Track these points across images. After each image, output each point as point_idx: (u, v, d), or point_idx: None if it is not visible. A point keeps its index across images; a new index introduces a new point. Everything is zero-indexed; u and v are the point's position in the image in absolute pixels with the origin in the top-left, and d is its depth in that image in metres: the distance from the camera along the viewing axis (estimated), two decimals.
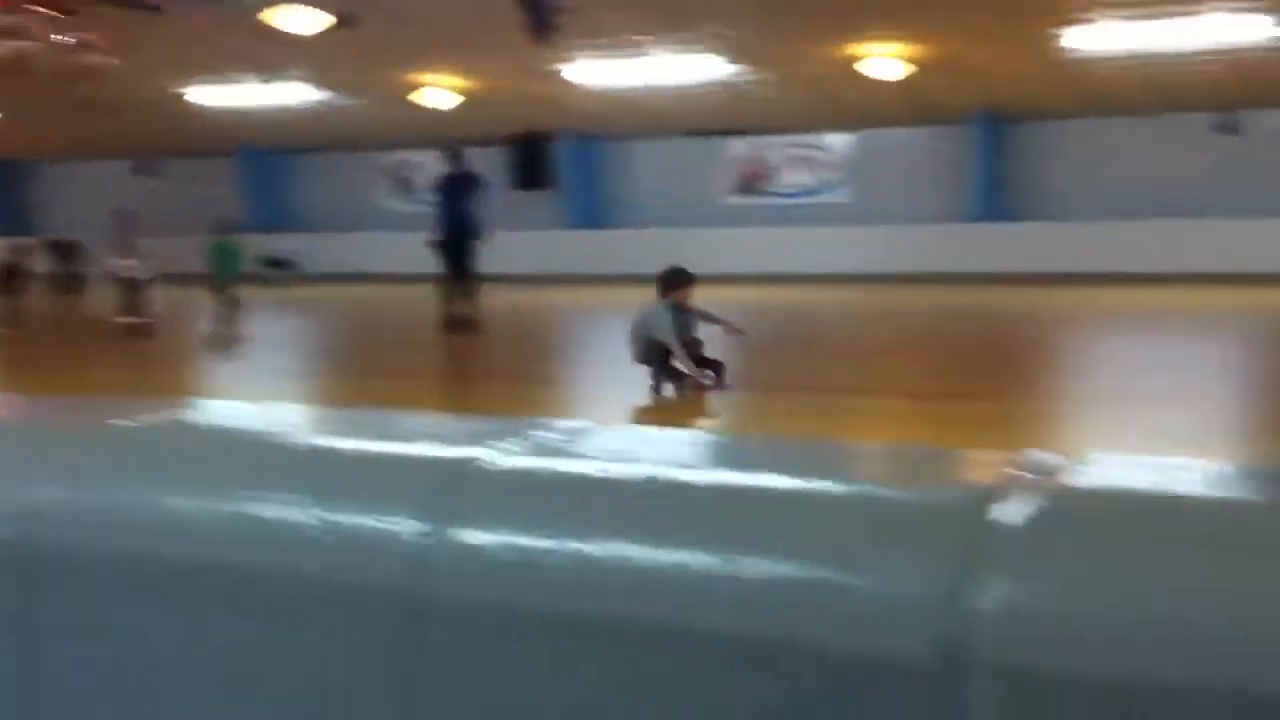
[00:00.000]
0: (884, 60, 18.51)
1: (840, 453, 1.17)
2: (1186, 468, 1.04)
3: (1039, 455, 1.01)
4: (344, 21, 15.46)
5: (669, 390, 8.13)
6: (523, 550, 0.95)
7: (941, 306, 17.21)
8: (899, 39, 17.62)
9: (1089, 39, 17.32)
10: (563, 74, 20.07)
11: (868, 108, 22.07)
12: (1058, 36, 17.32)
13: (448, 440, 1.14)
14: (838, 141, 24.59)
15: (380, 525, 1.02)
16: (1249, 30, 16.63)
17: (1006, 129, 22.92)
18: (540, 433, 1.15)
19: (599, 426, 1.21)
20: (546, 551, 0.94)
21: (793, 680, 0.88)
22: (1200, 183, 21.54)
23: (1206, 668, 0.78)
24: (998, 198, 22.91)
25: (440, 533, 0.99)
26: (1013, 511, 0.88)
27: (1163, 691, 0.80)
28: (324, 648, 1.01)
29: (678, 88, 20.93)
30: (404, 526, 1.01)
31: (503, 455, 1.07)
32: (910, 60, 18.53)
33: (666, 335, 8.11)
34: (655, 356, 8.21)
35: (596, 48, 18.28)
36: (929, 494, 0.92)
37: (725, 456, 1.16)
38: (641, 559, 0.89)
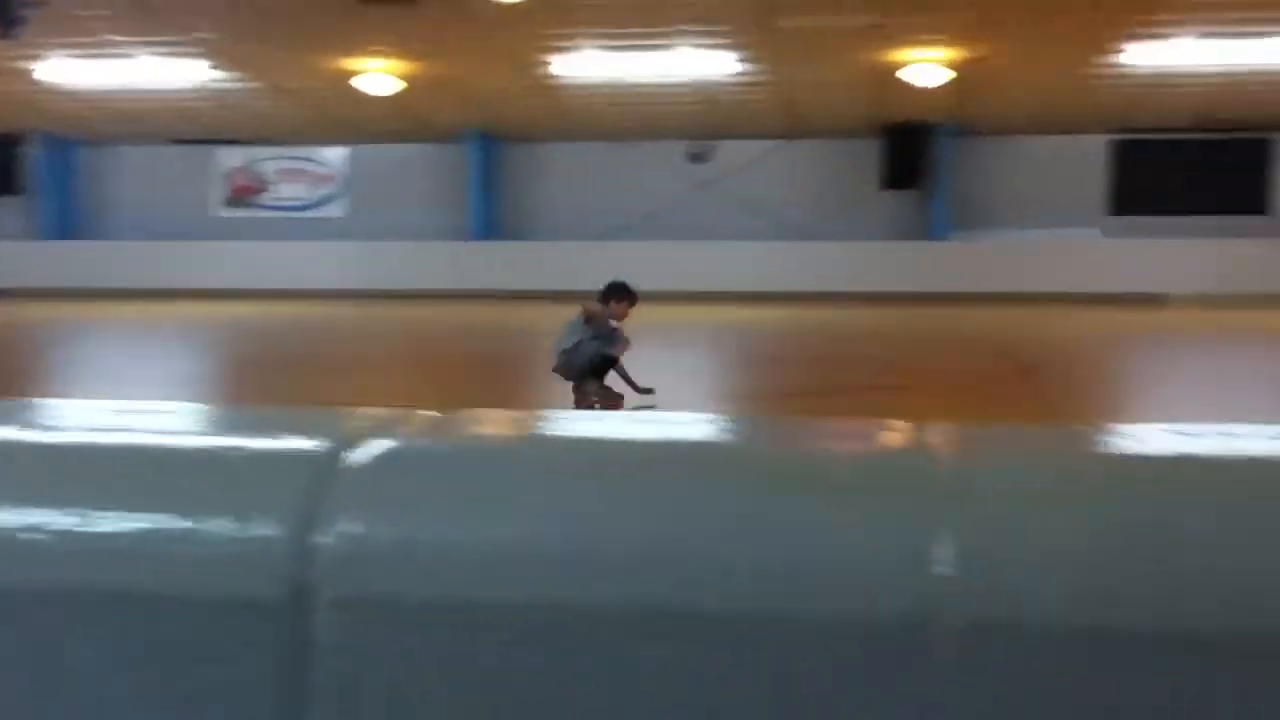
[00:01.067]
0: (377, 76, 18.52)
1: (202, 414, 1.14)
2: (550, 419, 1.12)
3: (399, 410, 1.05)
4: None
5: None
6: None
7: (437, 323, 17.42)
8: (391, 55, 17.69)
9: (573, 66, 18.17)
10: (34, 73, 18.60)
11: (362, 122, 21.99)
12: (545, 63, 18.04)
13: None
14: (333, 155, 24.31)
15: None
16: (715, 65, 18.08)
17: (500, 149, 23.56)
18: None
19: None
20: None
21: (145, 627, 0.89)
22: (674, 207, 23.13)
23: (504, 585, 0.86)
24: (492, 217, 23.48)
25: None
26: (361, 456, 0.93)
27: (469, 609, 0.87)
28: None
29: (162, 92, 19.93)
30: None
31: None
32: (402, 77, 18.65)
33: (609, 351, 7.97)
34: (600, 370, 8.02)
35: (72, 46, 17.09)
36: (281, 445, 0.95)
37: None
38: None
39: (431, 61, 17.94)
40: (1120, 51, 17.22)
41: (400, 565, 0.87)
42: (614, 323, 8.19)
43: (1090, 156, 22.49)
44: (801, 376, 10.64)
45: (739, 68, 18.17)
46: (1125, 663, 0.84)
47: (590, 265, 22.09)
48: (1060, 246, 21.48)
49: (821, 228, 22.67)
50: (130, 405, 1.12)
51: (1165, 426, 1.00)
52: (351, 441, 0.94)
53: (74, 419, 1.15)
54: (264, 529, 0.88)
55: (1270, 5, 14.88)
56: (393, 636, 0.86)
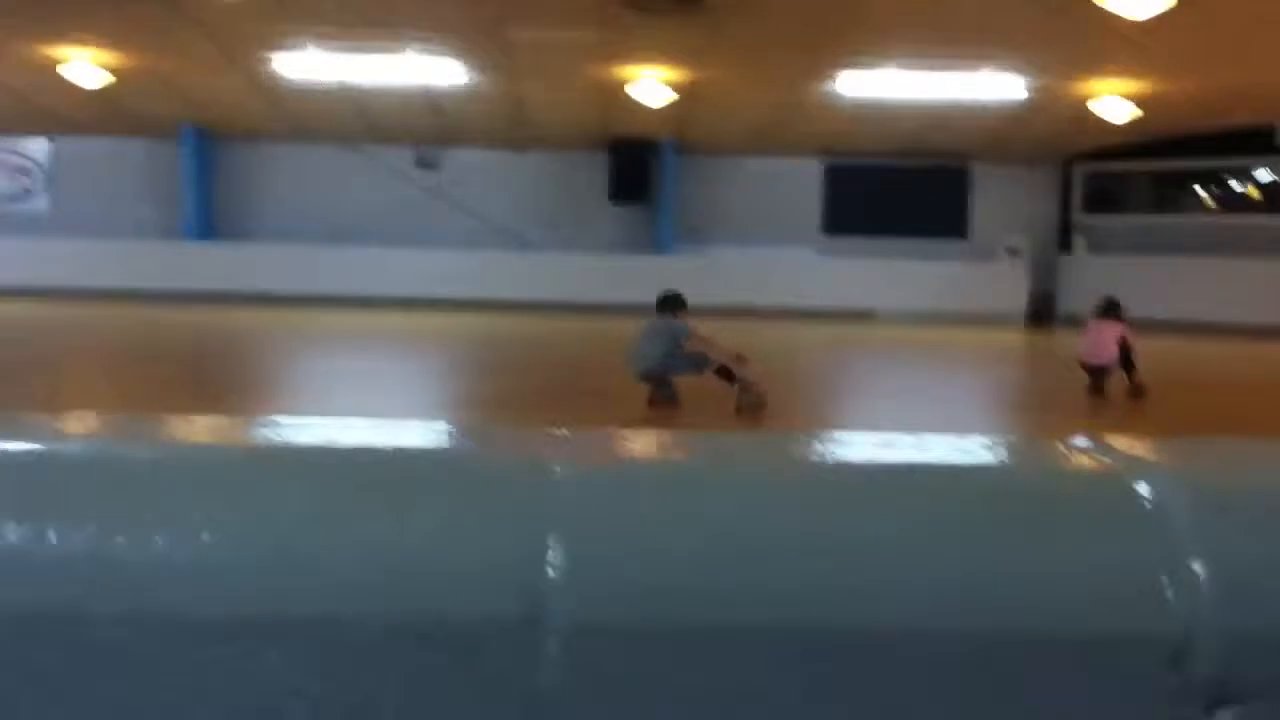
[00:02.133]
0: (85, 66, 17.59)
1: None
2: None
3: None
4: None
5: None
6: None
7: (146, 324, 16.66)
8: (99, 45, 16.83)
9: (298, 66, 17.71)
10: None
11: (69, 114, 20.84)
12: (267, 60, 17.52)
13: None
14: (35, 147, 22.93)
15: None
16: (443, 73, 17.95)
17: (218, 147, 22.74)
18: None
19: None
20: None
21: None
22: (401, 213, 22.84)
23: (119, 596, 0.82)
24: (208, 216, 22.64)
25: None
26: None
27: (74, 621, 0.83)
28: None
29: None
30: None
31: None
32: (111, 69, 17.76)
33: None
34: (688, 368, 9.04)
35: None
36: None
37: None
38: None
39: (142, 54, 17.16)
40: (832, 79, 18.02)
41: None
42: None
43: (806, 178, 23.45)
44: (517, 384, 10.68)
45: (467, 77, 18.11)
46: (739, 661, 0.86)
47: (311, 269, 21.66)
48: (777, 263, 22.29)
49: (548, 238, 22.84)
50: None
51: (809, 434, 1.04)
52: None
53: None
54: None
55: (967, 43, 15.86)
56: None
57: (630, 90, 18.31)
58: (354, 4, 14.61)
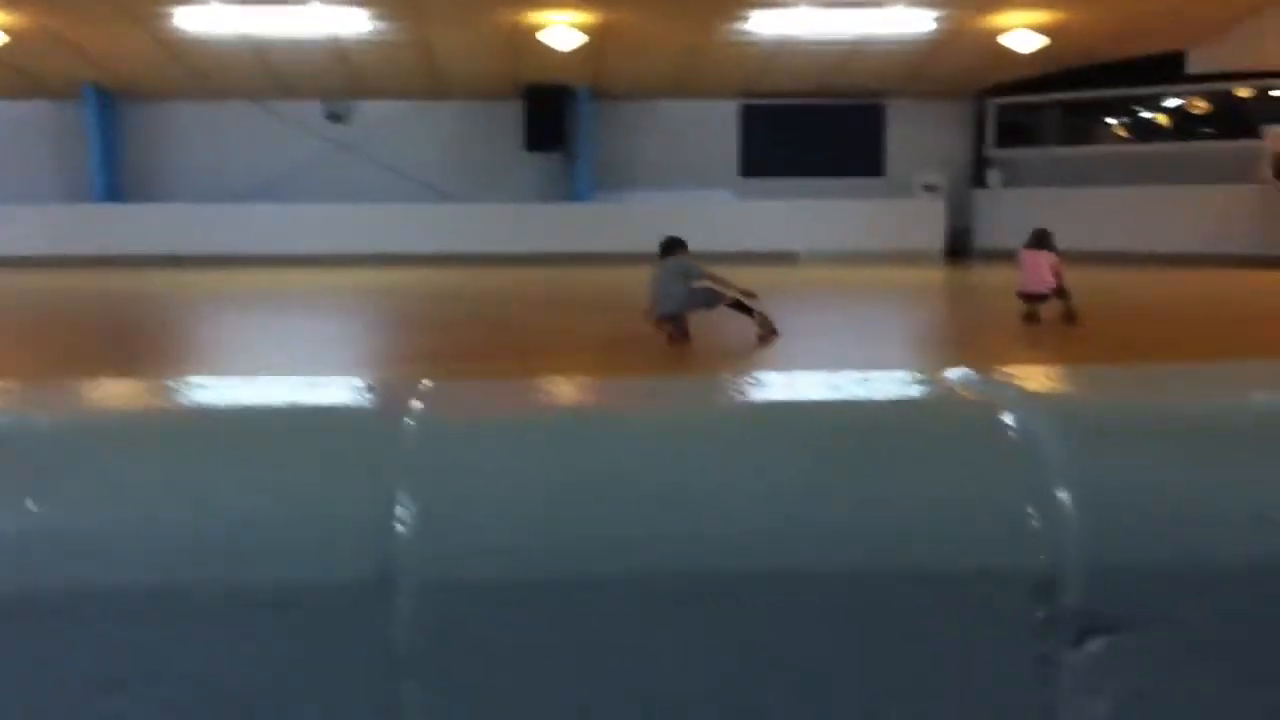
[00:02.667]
0: None
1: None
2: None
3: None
4: None
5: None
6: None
7: (54, 289, 16.29)
8: None
9: (201, 20, 17.32)
10: None
11: None
12: (169, 15, 17.11)
13: None
14: None
15: None
16: (350, 22, 17.64)
17: (123, 107, 22.20)
18: None
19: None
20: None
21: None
22: (313, 168, 22.48)
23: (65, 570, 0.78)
24: (115, 178, 22.13)
25: None
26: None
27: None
28: None
29: None
30: None
31: None
32: (5, 29, 17.25)
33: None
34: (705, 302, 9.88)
35: None
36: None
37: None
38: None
39: (38, 12, 16.68)
40: (745, 19, 17.95)
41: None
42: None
43: (723, 121, 23.38)
44: (435, 340, 10.58)
45: (374, 25, 17.81)
46: (602, 613, 0.84)
47: (223, 228, 21.29)
48: (697, 207, 22.25)
49: (465, 189, 22.61)
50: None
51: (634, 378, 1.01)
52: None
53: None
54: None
55: None
56: None
57: (541, 36, 18.12)
58: None
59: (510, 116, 22.36)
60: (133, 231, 21.16)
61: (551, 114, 22.18)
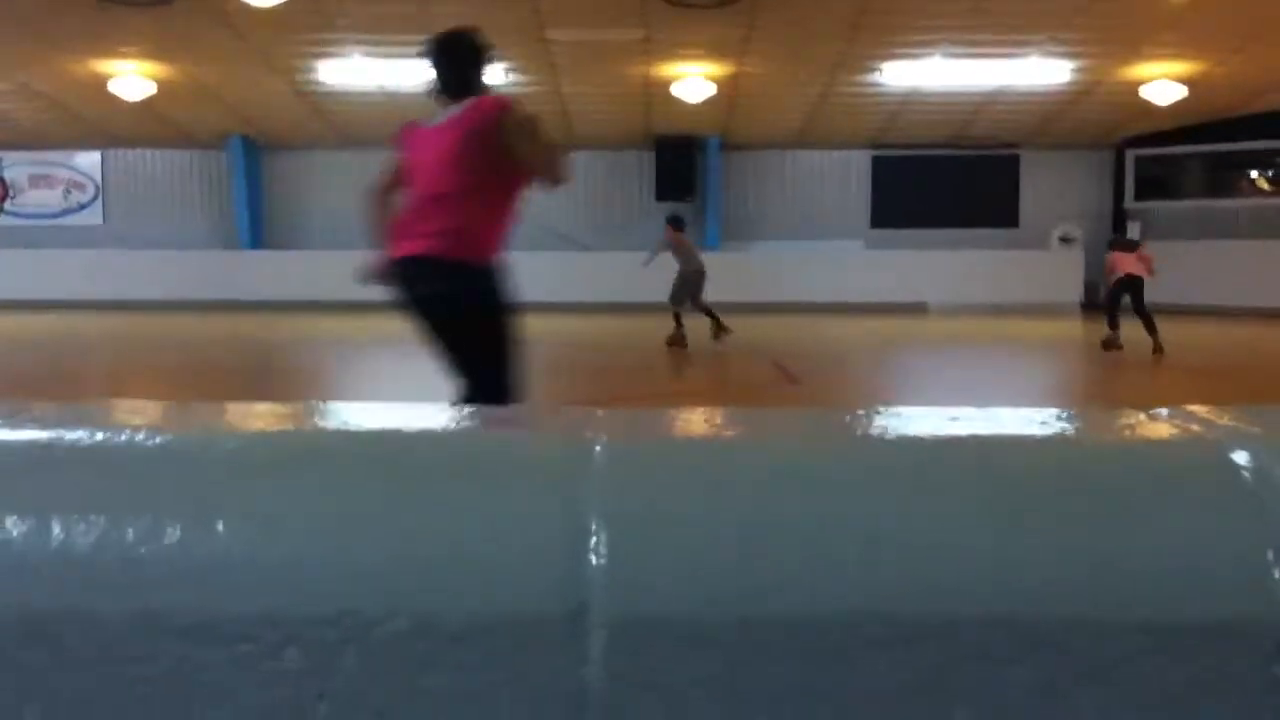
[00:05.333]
0: (130, 79, 17.75)
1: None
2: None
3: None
4: None
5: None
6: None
7: (202, 334, 16.76)
8: (143, 58, 16.97)
9: (340, 73, 17.78)
10: None
11: (118, 126, 21.04)
12: (311, 70, 17.60)
13: None
14: (88, 160, 23.17)
15: None
16: (486, 75, 17.95)
17: (267, 156, 22.88)
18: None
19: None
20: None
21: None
22: None
23: (120, 597, 0.76)
24: (259, 226, 22.79)
25: None
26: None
27: (74, 619, 0.77)
28: None
29: None
30: None
31: None
32: (155, 80, 17.91)
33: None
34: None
35: None
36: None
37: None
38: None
39: (186, 65, 17.30)
40: (876, 71, 17.85)
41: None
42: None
43: (853, 171, 23.26)
44: (569, 387, 10.60)
45: (508, 78, 18.09)
46: (798, 655, 0.79)
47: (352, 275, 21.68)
48: (825, 258, 22.12)
49: (595, 238, 22.80)
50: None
51: (827, 410, 0.97)
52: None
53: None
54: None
55: (1013, 29, 15.66)
56: None
57: (673, 88, 18.24)
58: (394, 10, 14.62)
59: (641, 167, 22.53)
60: (276, 277, 21.73)
61: (681, 164, 22.29)
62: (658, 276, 15.41)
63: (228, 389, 10.27)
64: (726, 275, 21.85)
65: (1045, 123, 20.92)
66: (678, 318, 12.92)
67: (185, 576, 0.79)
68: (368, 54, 16.84)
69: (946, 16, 15.10)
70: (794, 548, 0.79)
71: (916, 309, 21.12)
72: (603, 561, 0.77)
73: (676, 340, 12.52)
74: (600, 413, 0.91)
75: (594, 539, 0.77)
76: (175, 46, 16.23)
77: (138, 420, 0.96)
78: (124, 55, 16.82)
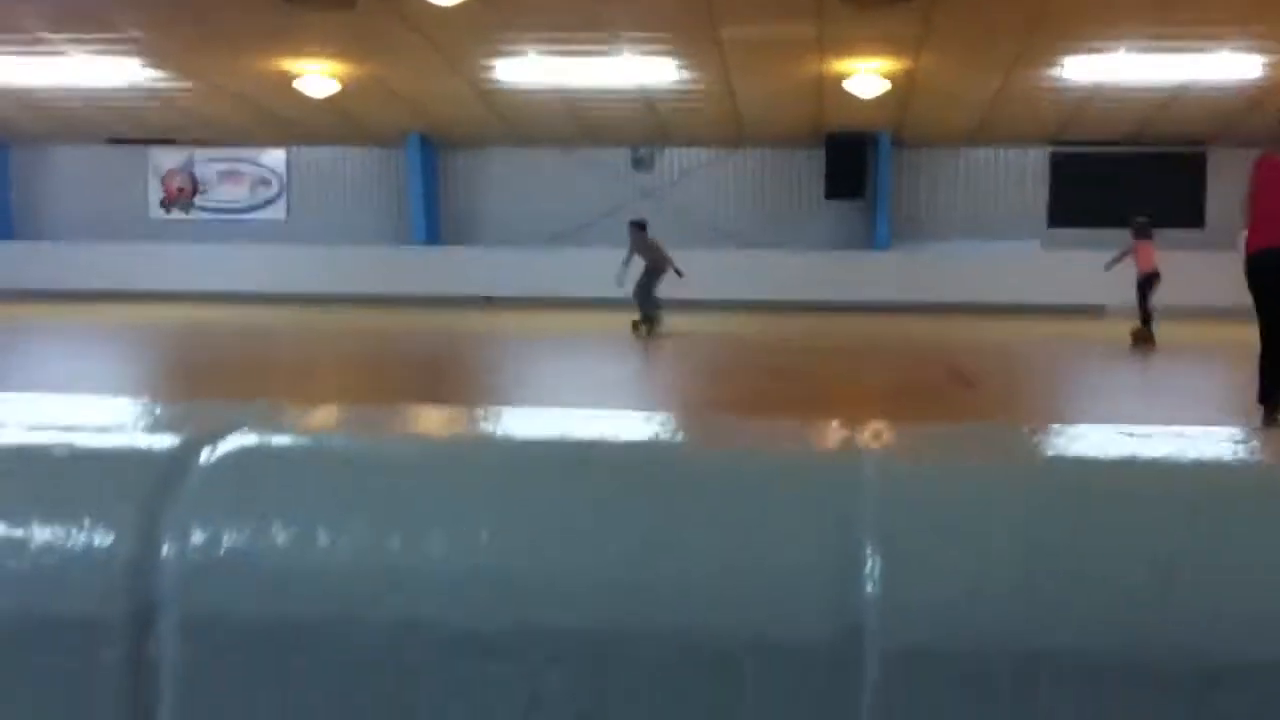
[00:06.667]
0: (315, 78, 18.30)
1: (35, 405, 1.03)
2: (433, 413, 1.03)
3: (269, 403, 0.94)
4: None
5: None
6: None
7: (377, 328, 17.20)
8: (328, 58, 17.48)
9: (518, 71, 18.05)
10: None
11: (302, 124, 21.74)
12: (490, 67, 17.90)
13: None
14: (273, 157, 24.00)
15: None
16: (657, 72, 18.02)
17: (443, 153, 23.38)
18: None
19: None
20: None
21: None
22: (618, 213, 23.05)
23: (381, 604, 0.76)
24: (434, 221, 23.30)
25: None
26: (215, 455, 0.83)
27: (336, 627, 0.77)
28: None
29: (94, 91, 19.60)
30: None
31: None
32: (340, 79, 18.44)
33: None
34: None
35: (2, 43, 16.76)
36: (125, 441, 0.84)
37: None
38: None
39: (369, 64, 17.77)
40: (1058, 65, 17.36)
41: (253, 580, 0.76)
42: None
43: (1030, 169, 22.69)
44: (739, 387, 10.57)
45: (680, 75, 18.13)
46: (1059, 688, 0.75)
47: (532, 271, 22.05)
48: (1000, 257, 21.62)
49: (763, 236, 22.70)
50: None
51: (1113, 429, 0.92)
52: (207, 439, 0.83)
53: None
54: (100, 539, 0.77)
55: (1202, 22, 15.05)
56: (243, 660, 0.76)
57: (845, 84, 18.04)
58: (571, 7, 14.78)
59: (810, 164, 22.35)
60: (450, 273, 22.20)
61: (852, 162, 22.04)
62: (821, 276, 15.22)
63: (426, 386, 10.49)
64: (896, 275, 21.55)
65: (1234, 119, 20.08)
66: (646, 315, 14.84)
67: (447, 587, 0.78)
68: (543, 52, 17.05)
69: (1132, 9, 14.59)
70: (1083, 576, 0.74)
71: (1093, 311, 20.48)
72: (877, 587, 0.73)
73: (646, 325, 14.79)
74: (868, 427, 0.88)
75: (869, 562, 0.74)
76: (359, 46, 16.68)
77: (399, 427, 0.96)
78: (310, 55, 17.36)
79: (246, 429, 0.86)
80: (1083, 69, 17.48)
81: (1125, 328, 17.64)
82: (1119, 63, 17.12)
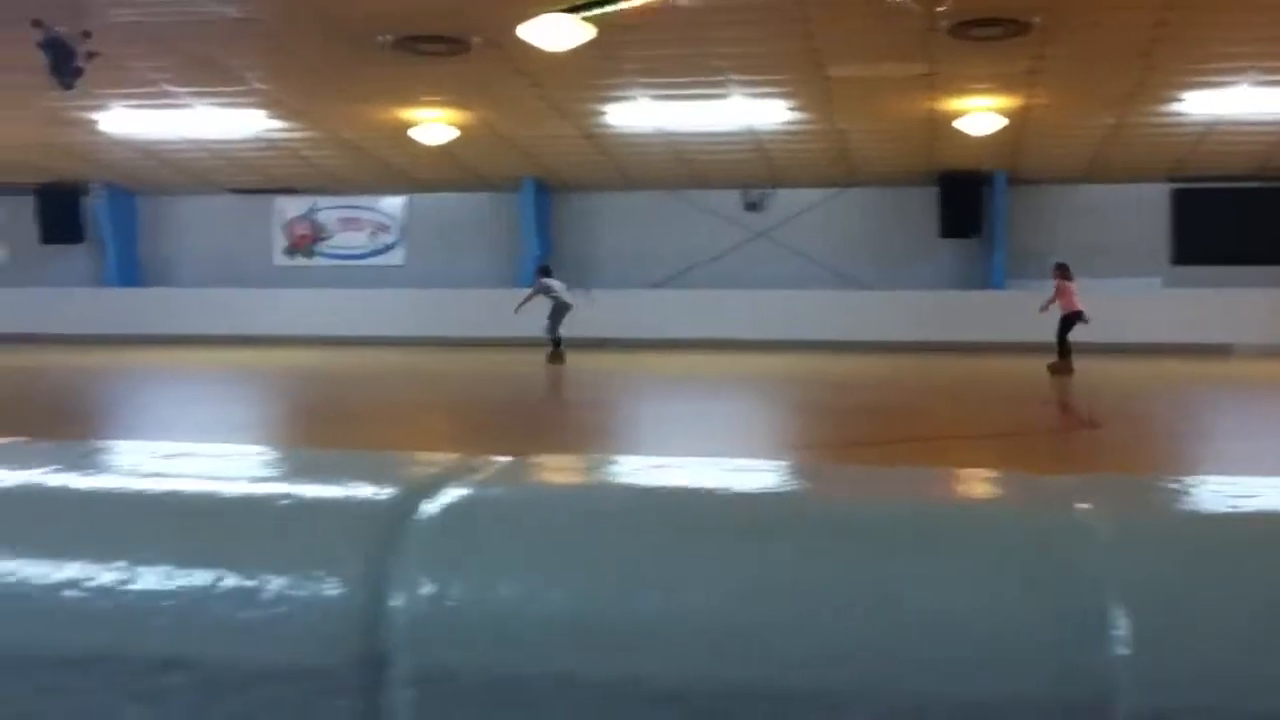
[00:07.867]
0: (432, 126, 18.65)
1: (260, 458, 1.05)
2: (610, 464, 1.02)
3: (482, 458, 0.95)
4: None
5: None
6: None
7: (497, 371, 17.39)
8: (444, 105, 17.81)
9: (626, 116, 18.20)
10: (97, 124, 18.93)
11: (419, 171, 22.16)
12: (599, 112, 18.09)
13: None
14: (391, 204, 24.50)
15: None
16: (767, 114, 18.04)
17: (555, 197, 23.64)
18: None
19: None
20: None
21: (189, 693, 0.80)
22: (730, 255, 23.08)
23: (605, 659, 0.76)
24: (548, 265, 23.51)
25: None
26: (436, 507, 0.84)
27: (562, 683, 0.77)
28: None
29: (220, 142, 20.22)
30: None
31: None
32: (455, 127, 18.76)
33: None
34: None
35: (131, 97, 17.36)
36: (348, 493, 0.86)
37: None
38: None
39: (482, 111, 18.06)
40: (1178, 100, 17.02)
41: (479, 633, 0.76)
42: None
43: (1151, 205, 22.24)
44: (861, 428, 10.46)
45: (790, 116, 18.13)
46: None
47: (645, 313, 22.13)
48: (1120, 296, 21.17)
49: (877, 276, 22.52)
50: (180, 448, 1.03)
51: None
52: (424, 491, 0.84)
53: (116, 462, 1.06)
54: (331, 589, 0.78)
55: None
56: (472, 712, 0.76)
57: (956, 122, 17.87)
58: (680, 51, 14.87)
59: (924, 203, 22.16)
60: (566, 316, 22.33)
61: (967, 200, 21.82)
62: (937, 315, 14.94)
63: (587, 427, 10.56)
64: (1013, 314, 21.19)
65: None
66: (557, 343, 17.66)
67: (661, 642, 0.77)
68: (652, 97, 17.18)
69: (1253, 43, 14.25)
70: None
71: (1220, 351, 19.95)
72: (1125, 650, 0.71)
73: (557, 359, 17.52)
74: (1084, 478, 0.86)
75: (1111, 623, 0.72)
76: (472, 94, 16.97)
77: (601, 476, 0.96)
78: (425, 103, 17.71)
79: (458, 481, 0.87)
80: (1203, 103, 17.11)
81: (1256, 369, 17.09)
82: (1241, 96, 16.73)
